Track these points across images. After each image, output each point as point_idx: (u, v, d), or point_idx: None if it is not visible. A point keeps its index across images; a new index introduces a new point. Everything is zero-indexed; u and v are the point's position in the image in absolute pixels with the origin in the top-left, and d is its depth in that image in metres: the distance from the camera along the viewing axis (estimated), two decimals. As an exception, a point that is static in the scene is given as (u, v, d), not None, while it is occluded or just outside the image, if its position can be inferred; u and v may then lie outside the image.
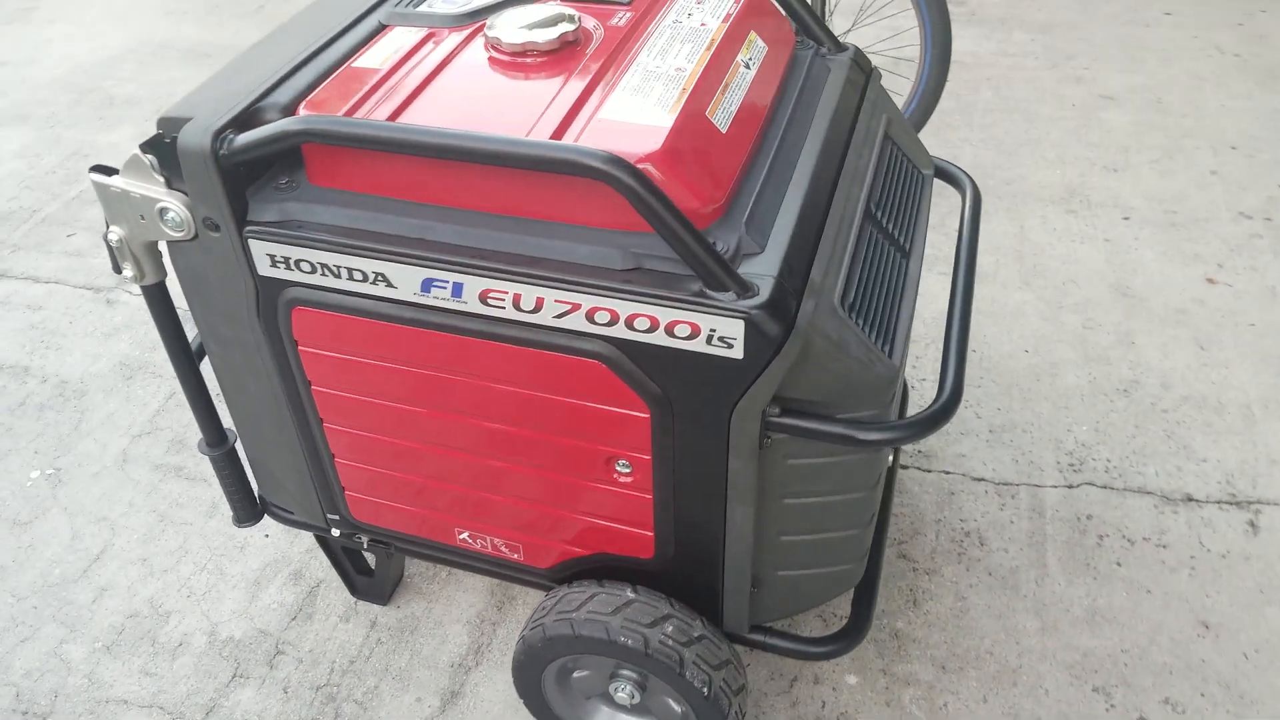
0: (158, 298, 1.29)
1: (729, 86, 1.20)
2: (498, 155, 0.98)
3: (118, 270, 1.26)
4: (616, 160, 0.95)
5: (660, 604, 1.29)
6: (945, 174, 1.52)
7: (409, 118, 1.13)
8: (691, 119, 1.11)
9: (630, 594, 1.29)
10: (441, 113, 1.13)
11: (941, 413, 1.11)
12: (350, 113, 1.14)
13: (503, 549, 1.40)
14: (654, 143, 1.05)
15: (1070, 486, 1.85)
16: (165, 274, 1.28)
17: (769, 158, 1.19)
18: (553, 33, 1.21)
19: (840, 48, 1.44)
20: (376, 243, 1.12)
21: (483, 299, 1.11)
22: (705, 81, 1.17)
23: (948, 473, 1.88)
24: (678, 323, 1.04)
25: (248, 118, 1.13)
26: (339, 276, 1.16)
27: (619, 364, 1.10)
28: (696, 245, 0.99)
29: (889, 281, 1.23)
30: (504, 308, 1.10)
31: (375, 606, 1.69)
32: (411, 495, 1.38)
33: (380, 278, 1.14)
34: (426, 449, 1.30)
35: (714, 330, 1.03)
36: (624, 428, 1.16)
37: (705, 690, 1.26)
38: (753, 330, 1.01)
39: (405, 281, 1.13)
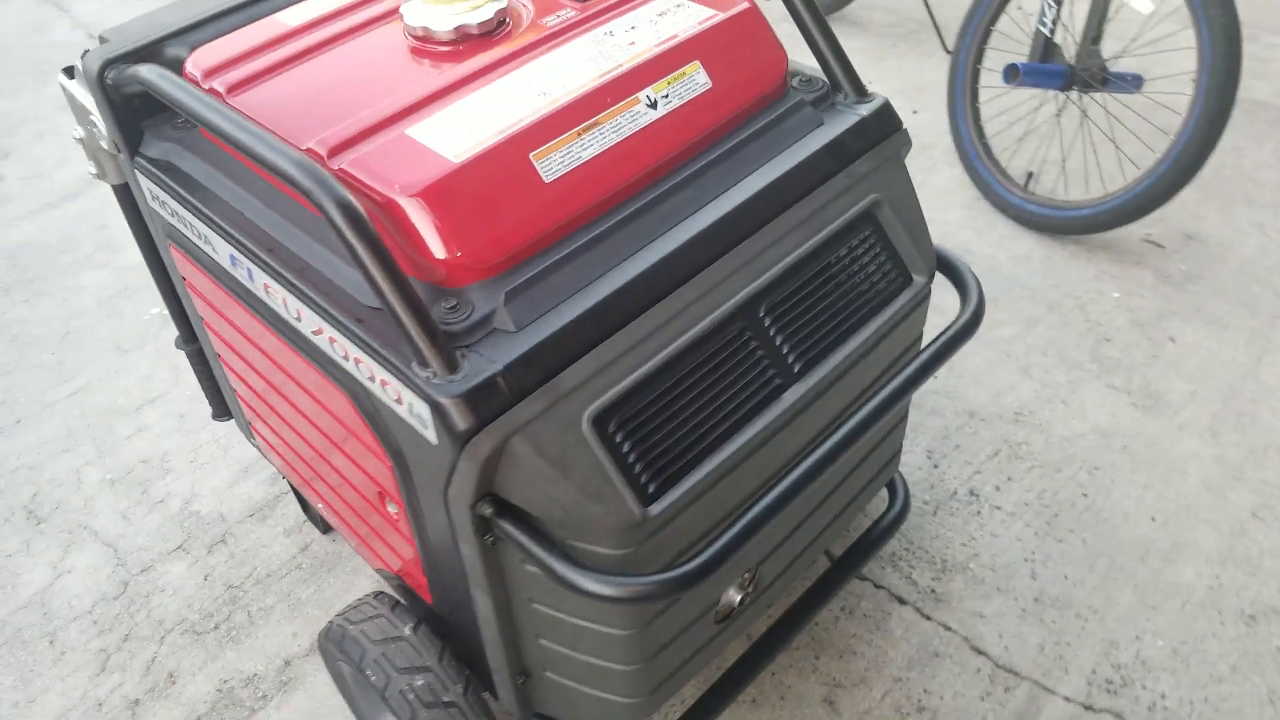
0: (123, 197, 1.39)
1: (599, 126, 1.02)
2: (241, 145, 0.91)
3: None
4: (323, 183, 0.85)
5: (428, 654, 1.21)
6: (949, 269, 1.20)
7: (263, 86, 1.09)
8: (499, 158, 0.96)
9: (407, 630, 1.23)
10: (293, 88, 1.08)
11: (660, 586, 0.90)
12: (227, 65, 1.12)
13: (346, 533, 1.39)
14: (425, 177, 0.93)
15: (1088, 708, 1.45)
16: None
17: (616, 220, 1.01)
18: (447, 23, 1.10)
19: (863, 97, 1.17)
20: (205, 205, 1.11)
21: (265, 291, 1.07)
22: (562, 115, 1.01)
23: (948, 628, 1.56)
24: (387, 383, 0.94)
25: (150, 52, 1.16)
26: (186, 228, 1.17)
27: (363, 403, 1.02)
28: (401, 305, 0.87)
29: (727, 409, 1.01)
30: (280, 308, 1.06)
31: (316, 532, 1.77)
32: (285, 452, 1.40)
33: (206, 240, 1.14)
34: (279, 417, 1.31)
35: (411, 405, 0.92)
36: (378, 469, 1.08)
37: (424, 759, 1.18)
38: (439, 418, 0.89)
39: (220, 251, 1.12)
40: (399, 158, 0.96)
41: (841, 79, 1.17)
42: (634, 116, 1.04)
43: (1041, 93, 2.45)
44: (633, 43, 1.09)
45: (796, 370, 1.07)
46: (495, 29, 1.12)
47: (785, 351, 1.07)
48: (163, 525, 1.80)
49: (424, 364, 0.89)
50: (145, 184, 1.20)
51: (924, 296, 1.18)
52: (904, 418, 1.40)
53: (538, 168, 0.98)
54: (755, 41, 1.14)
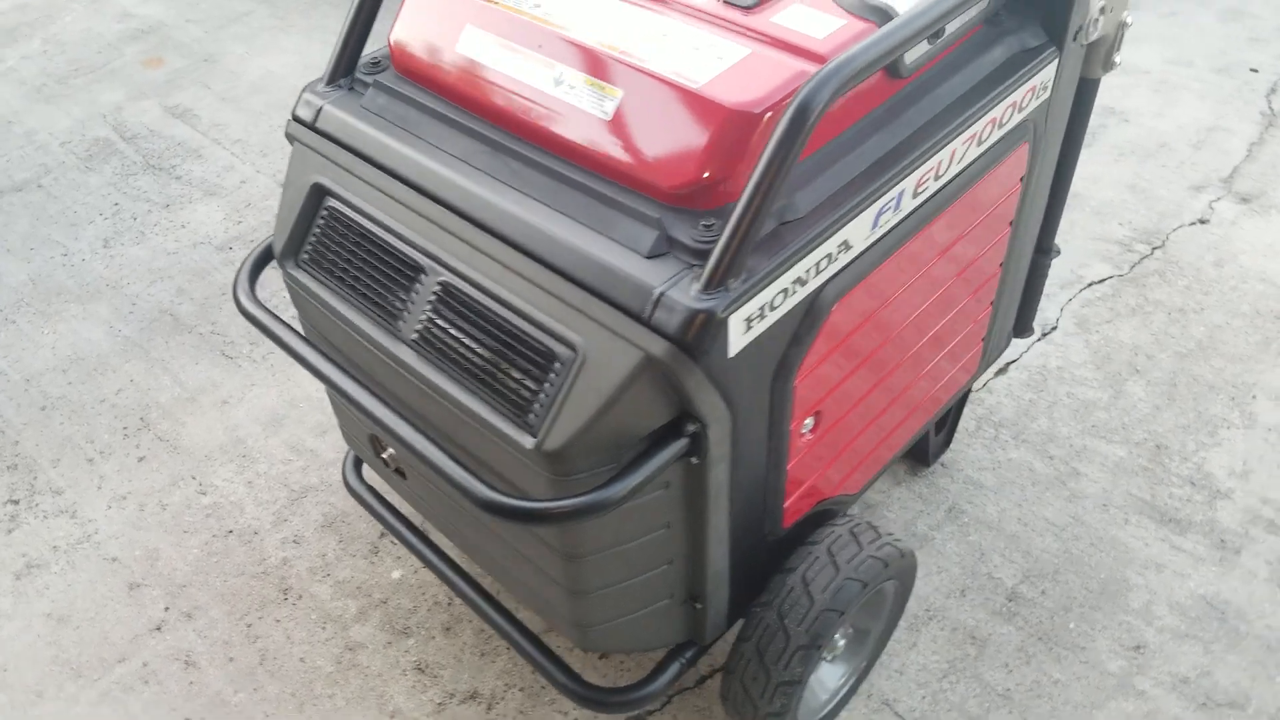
0: None
1: (515, 53, 1.09)
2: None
3: None
4: None
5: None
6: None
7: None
8: (450, 7, 1.15)
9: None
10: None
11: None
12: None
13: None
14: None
15: None
16: None
17: (466, 122, 1.14)
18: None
19: (705, 293, 0.94)
20: None
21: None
22: (513, 23, 1.12)
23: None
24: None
25: None
26: None
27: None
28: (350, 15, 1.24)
29: (360, 286, 1.21)
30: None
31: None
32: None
33: None
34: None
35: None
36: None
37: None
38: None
39: None
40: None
41: (722, 265, 0.92)
42: (533, 73, 1.08)
43: None
44: (648, 38, 1.05)
45: (412, 339, 1.12)
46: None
47: (422, 320, 1.11)
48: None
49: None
50: None
51: (526, 455, 1.01)
52: (585, 590, 1.17)
53: (461, 36, 1.14)
54: (692, 137, 0.96)
